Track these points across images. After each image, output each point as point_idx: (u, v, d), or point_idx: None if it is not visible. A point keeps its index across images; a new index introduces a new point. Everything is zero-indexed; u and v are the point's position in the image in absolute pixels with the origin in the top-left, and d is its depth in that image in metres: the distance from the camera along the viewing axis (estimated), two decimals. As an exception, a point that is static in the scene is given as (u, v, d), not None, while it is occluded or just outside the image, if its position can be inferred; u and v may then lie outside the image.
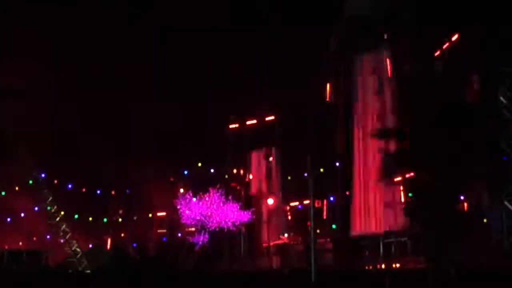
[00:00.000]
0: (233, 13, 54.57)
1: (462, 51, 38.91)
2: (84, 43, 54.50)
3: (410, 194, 31.90)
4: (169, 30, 55.68)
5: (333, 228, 48.58)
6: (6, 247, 45.53)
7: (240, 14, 54.20)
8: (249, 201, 53.57)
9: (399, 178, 31.90)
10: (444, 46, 42.07)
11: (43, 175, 49.52)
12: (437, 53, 42.04)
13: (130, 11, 55.47)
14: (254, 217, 48.94)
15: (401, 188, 42.28)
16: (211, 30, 54.99)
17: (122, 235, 58.77)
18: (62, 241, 47.90)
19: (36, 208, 51.07)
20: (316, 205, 33.99)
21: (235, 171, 57.66)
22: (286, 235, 51.61)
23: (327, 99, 50.21)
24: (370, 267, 38.85)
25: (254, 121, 55.99)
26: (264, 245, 52.50)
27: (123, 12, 55.08)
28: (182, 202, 47.05)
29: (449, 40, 41.66)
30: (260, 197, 54.57)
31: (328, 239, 44.90)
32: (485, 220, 37.32)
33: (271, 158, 55.46)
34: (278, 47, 52.62)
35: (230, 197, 47.67)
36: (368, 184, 45.76)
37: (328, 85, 50.20)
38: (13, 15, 48.13)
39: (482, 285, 25.63)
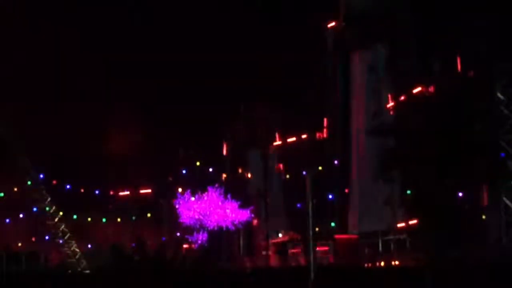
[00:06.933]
0: (231, 9, 54.43)
1: (459, 48, 38.93)
2: (82, 43, 54.41)
3: (408, 191, 31.95)
4: (166, 27, 55.63)
5: (332, 226, 48.54)
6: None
7: (237, 11, 54.05)
8: (248, 200, 53.44)
9: (397, 175, 31.96)
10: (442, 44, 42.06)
11: (41, 176, 49.38)
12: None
13: (130, 10, 55.40)
14: (252, 215, 48.91)
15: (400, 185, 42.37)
16: (205, 28, 54.87)
17: (121, 235, 58.58)
18: (61, 241, 47.81)
19: (34, 209, 50.93)
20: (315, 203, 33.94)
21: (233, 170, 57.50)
22: (282, 234, 51.52)
23: (323, 97, 50.19)
24: (370, 265, 38.87)
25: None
26: (263, 243, 52.39)
27: (119, 12, 55.02)
28: (181, 202, 46.99)
29: (447, 37, 41.64)
30: (258, 196, 54.40)
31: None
32: (484, 217, 37.36)
33: (269, 157, 55.30)
34: (274, 45, 52.50)
35: (228, 196, 47.63)
36: (367, 181, 45.71)
37: (325, 83, 50.18)
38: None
39: (481, 281, 25.61)
